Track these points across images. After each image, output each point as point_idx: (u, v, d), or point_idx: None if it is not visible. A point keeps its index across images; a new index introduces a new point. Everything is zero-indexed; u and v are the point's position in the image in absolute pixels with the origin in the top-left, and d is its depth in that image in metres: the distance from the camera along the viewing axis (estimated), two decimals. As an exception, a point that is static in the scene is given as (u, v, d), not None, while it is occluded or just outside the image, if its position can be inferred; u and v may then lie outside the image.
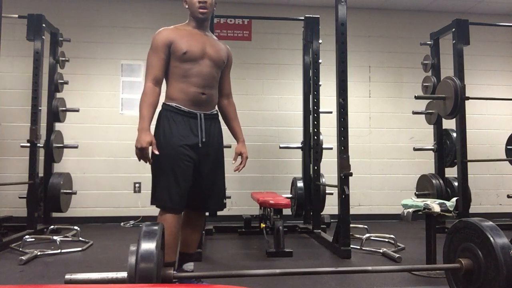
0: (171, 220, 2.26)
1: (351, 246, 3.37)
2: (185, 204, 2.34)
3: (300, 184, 4.47)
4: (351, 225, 3.43)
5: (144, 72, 5.23)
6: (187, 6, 2.44)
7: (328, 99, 4.65)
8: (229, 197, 4.49)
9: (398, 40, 5.68)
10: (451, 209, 2.67)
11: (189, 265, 2.45)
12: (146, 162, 2.28)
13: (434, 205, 2.67)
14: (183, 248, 2.48)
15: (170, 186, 2.28)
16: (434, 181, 4.48)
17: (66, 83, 4.68)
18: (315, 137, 4.29)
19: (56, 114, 4.49)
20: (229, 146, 2.88)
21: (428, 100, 4.69)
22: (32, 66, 4.20)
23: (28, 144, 4.15)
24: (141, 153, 2.23)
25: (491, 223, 1.97)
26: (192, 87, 2.34)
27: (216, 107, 2.53)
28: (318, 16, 4.49)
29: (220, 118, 2.58)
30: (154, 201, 2.35)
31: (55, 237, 3.66)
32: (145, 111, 2.27)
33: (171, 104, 2.35)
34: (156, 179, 2.34)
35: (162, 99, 2.39)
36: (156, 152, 2.24)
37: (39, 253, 3.31)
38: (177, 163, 2.28)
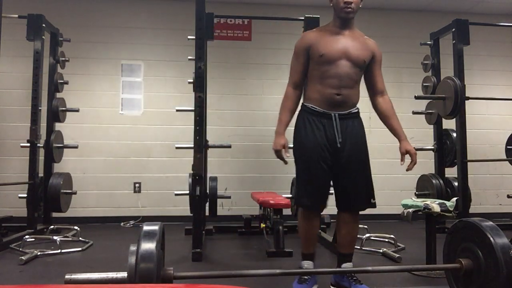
0: (305, 215, 2.48)
1: (351, 246, 3.36)
2: (319, 204, 2.47)
3: (300, 184, 4.46)
4: (351, 225, 3.42)
5: (144, 72, 5.31)
6: (331, 4, 2.43)
7: (328, 99, 4.64)
8: (229, 197, 4.48)
9: (398, 40, 5.67)
10: (451, 209, 2.67)
11: (348, 265, 2.52)
12: (285, 163, 2.47)
13: (434, 205, 2.67)
14: (339, 249, 2.59)
15: (306, 185, 2.44)
16: (434, 181, 4.48)
17: (66, 83, 4.68)
18: (315, 137, 4.28)
19: (56, 114, 4.49)
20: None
21: (428, 100, 4.69)
22: (32, 66, 4.20)
23: (28, 144, 4.15)
24: (277, 154, 2.44)
25: (491, 223, 1.97)
26: (328, 88, 2.38)
27: (357, 106, 2.51)
28: (318, 16, 4.47)
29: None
30: (296, 200, 2.58)
31: (55, 237, 3.66)
32: (282, 116, 2.46)
33: (307, 105, 2.46)
34: (297, 179, 2.53)
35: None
36: (287, 155, 2.41)
37: (39, 253, 3.31)
38: (311, 163, 2.41)
